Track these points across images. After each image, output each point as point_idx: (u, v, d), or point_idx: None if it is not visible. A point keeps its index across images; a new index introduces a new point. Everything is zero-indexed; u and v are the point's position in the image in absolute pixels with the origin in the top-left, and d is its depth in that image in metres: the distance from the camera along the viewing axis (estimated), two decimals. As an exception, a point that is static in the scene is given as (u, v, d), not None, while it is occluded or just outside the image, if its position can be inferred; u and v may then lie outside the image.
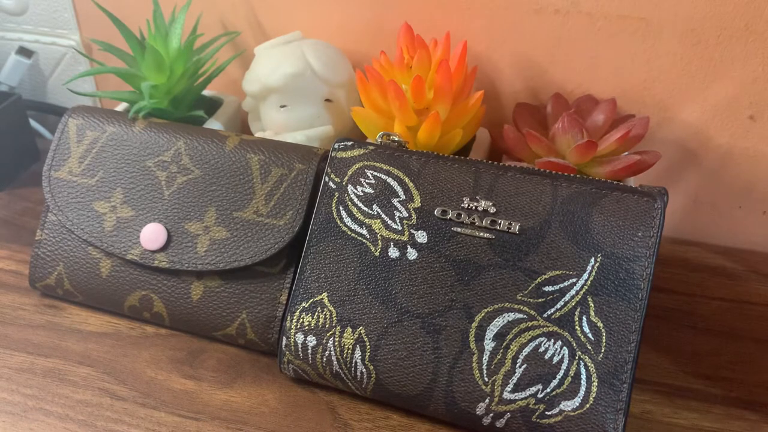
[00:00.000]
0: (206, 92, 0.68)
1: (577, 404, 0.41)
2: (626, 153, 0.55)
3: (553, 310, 0.43)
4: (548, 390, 0.42)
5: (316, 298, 0.47)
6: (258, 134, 0.62)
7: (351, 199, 0.48)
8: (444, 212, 0.46)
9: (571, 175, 0.46)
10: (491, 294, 0.44)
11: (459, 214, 0.46)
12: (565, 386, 0.42)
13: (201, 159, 0.53)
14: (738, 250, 0.64)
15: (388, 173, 0.48)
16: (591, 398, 0.41)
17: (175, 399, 0.48)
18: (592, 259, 0.43)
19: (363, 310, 0.46)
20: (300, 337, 0.47)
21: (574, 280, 0.43)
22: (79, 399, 0.48)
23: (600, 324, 0.42)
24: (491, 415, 0.43)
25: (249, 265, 0.50)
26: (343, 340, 0.45)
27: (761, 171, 0.60)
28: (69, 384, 0.49)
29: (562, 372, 0.42)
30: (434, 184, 0.47)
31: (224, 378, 0.50)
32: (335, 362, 0.46)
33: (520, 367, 0.42)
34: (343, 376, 0.46)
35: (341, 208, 0.48)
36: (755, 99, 0.57)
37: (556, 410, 0.41)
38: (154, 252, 0.51)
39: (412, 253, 0.46)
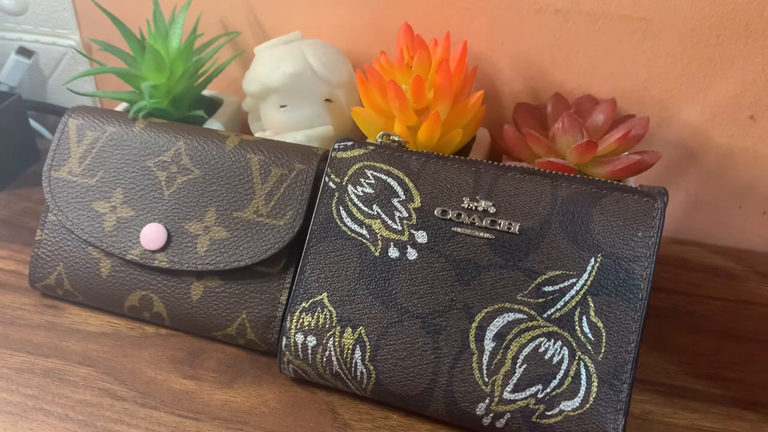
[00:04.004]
0: (206, 92, 0.68)
1: (577, 404, 0.41)
2: (626, 153, 0.55)
3: (553, 310, 0.43)
4: (548, 390, 0.42)
5: (316, 298, 0.47)
6: (258, 134, 0.62)
7: (351, 199, 0.48)
8: (444, 212, 0.46)
9: (571, 175, 0.46)
10: (491, 294, 0.44)
11: (459, 214, 0.46)
12: (565, 386, 0.41)
13: (201, 159, 0.53)
14: (738, 250, 0.64)
15: (388, 173, 0.48)
16: (591, 398, 0.41)
17: (175, 399, 0.48)
18: (592, 259, 0.43)
19: (363, 310, 0.46)
20: (300, 337, 0.47)
21: (574, 280, 0.43)
22: (79, 399, 0.48)
23: (600, 324, 0.42)
24: (491, 415, 0.43)
25: (249, 265, 0.50)
26: (343, 340, 0.45)
27: (761, 171, 0.60)
28: (69, 384, 0.49)
29: (562, 372, 0.42)
30: (434, 184, 0.47)
31: (224, 378, 0.50)
32: (335, 362, 0.46)
33: (520, 367, 0.42)
34: (343, 376, 0.46)
35: (341, 208, 0.48)
36: (755, 99, 0.57)
37: (556, 410, 0.41)
38: (154, 252, 0.51)
39: (412, 253, 0.46)
